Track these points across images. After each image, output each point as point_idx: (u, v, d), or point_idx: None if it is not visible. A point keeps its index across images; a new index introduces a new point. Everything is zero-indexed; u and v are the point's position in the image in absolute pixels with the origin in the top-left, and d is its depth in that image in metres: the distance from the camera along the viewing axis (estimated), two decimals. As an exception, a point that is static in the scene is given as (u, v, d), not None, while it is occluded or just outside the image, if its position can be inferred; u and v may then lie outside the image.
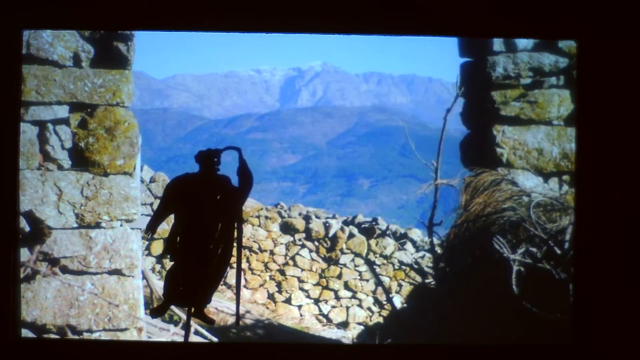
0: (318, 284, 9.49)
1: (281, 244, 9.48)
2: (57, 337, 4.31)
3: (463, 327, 4.39)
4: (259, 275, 9.44)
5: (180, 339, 5.70)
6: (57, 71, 4.28)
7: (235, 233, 2.87)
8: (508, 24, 3.03)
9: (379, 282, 9.37)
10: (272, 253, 9.47)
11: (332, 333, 8.90)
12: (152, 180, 9.23)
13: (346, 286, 9.48)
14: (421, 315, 5.41)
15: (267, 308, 9.33)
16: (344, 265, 9.45)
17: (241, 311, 7.36)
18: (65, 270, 4.40)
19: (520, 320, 3.86)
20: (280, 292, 9.45)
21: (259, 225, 9.45)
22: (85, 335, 4.40)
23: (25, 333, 4.25)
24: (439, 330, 4.69)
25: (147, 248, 8.94)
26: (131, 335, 4.49)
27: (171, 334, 6.10)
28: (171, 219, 2.92)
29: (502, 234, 4.17)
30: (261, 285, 9.45)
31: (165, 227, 4.00)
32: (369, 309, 9.47)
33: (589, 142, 2.93)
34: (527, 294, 3.88)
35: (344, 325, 9.37)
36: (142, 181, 8.93)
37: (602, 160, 2.91)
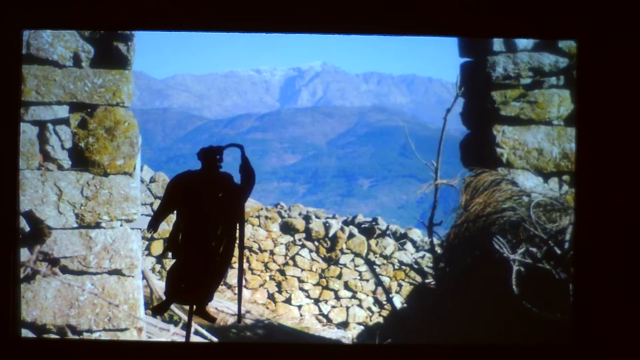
0: (318, 284, 9.49)
1: (281, 244, 9.48)
2: (57, 337, 4.31)
3: (463, 327, 4.38)
4: (259, 275, 9.44)
5: (181, 339, 5.70)
6: (57, 71, 4.28)
7: (237, 231, 2.86)
8: (508, 23, 3.03)
9: (379, 282, 9.37)
10: (272, 253, 9.47)
11: (332, 333, 8.90)
12: (152, 180, 9.23)
13: (346, 286, 9.48)
14: (421, 315, 5.41)
15: (267, 308, 9.33)
16: (344, 265, 9.45)
17: (241, 311, 7.33)
18: (65, 270, 4.40)
19: (520, 320, 3.86)
20: (280, 292, 9.45)
21: (259, 225, 9.45)
22: (85, 335, 4.40)
23: (25, 333, 4.24)
24: (439, 330, 4.69)
25: (147, 248, 8.94)
26: (131, 335, 4.49)
27: (171, 334, 6.10)
28: (171, 218, 2.92)
29: (502, 234, 4.17)
30: (261, 285, 9.45)
31: (166, 227, 4.00)
32: (369, 309, 9.46)
33: (589, 142, 2.93)
34: (527, 294, 3.88)
35: (344, 325, 9.37)
36: (142, 181, 8.93)
37: (602, 160, 2.91)
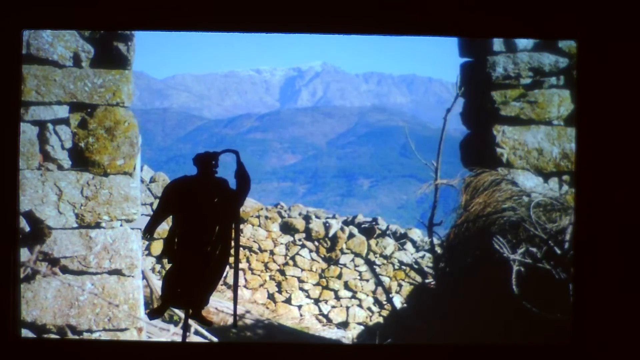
0: (318, 284, 9.49)
1: (281, 244, 9.48)
2: (57, 337, 4.31)
3: (463, 327, 4.38)
4: (259, 275, 9.44)
5: (180, 339, 5.70)
6: (57, 71, 4.28)
7: (233, 235, 2.87)
8: (508, 23, 3.03)
9: (379, 282, 9.37)
10: (272, 253, 9.47)
11: (332, 333, 8.90)
12: (152, 180, 9.23)
13: (346, 286, 9.48)
14: (421, 315, 5.41)
15: (267, 308, 9.33)
16: (344, 265, 9.45)
17: (241, 311, 7.36)
18: (65, 270, 4.40)
19: (520, 320, 3.86)
20: (280, 292, 9.45)
21: (259, 225, 9.45)
22: (85, 335, 4.40)
23: (25, 333, 4.24)
24: (439, 330, 4.69)
25: (147, 248, 8.94)
26: (131, 335, 4.49)
27: (171, 334, 6.10)
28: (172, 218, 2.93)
29: (502, 234, 4.17)
30: (261, 285, 9.45)
31: (166, 227, 4.00)
32: (369, 309, 9.46)
33: (589, 142, 2.93)
34: (527, 294, 3.88)
35: (344, 325, 9.37)
36: (142, 181, 8.93)
37: (602, 160, 2.91)
